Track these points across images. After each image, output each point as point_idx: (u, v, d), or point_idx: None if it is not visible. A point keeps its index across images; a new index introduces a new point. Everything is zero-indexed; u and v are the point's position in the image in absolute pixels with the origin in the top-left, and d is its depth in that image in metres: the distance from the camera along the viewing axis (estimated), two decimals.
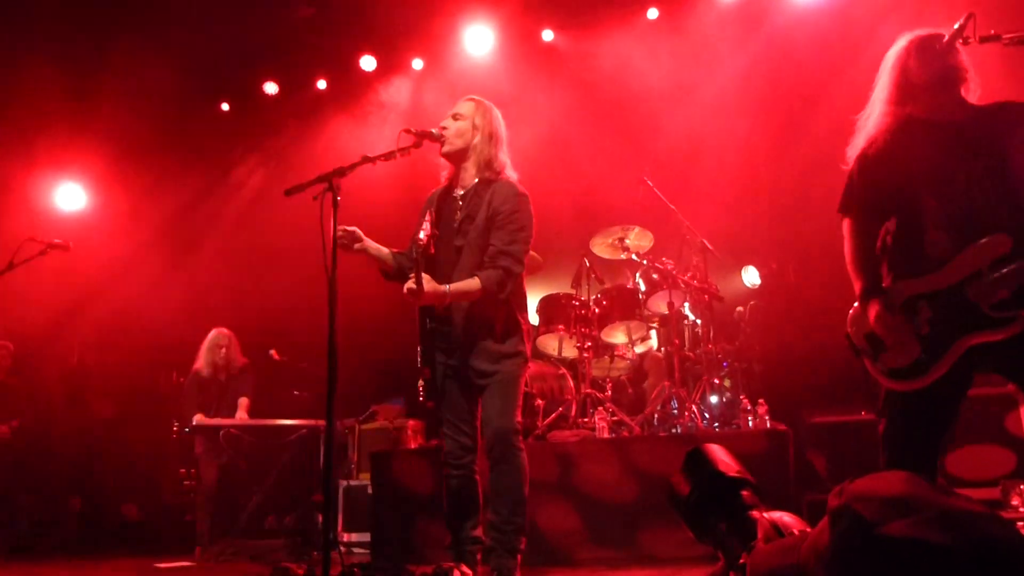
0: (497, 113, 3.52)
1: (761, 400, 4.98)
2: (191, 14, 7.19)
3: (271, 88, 8.20)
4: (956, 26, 2.62)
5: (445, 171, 3.57)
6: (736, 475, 2.43)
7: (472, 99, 3.54)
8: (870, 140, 2.81)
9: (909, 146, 2.71)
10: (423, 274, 3.11)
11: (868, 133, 2.83)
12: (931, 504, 1.67)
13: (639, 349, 6.07)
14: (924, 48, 2.74)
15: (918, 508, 1.66)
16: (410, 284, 3.10)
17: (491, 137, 3.44)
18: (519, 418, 3.33)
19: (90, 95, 7.36)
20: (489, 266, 3.28)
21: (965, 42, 2.63)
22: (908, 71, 2.77)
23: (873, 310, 2.66)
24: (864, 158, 2.82)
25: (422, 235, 3.34)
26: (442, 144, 3.43)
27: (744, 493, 2.38)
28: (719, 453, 2.52)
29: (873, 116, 2.83)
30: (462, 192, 3.46)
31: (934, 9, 5.95)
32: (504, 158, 3.47)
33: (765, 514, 2.26)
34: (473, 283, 3.23)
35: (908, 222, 2.71)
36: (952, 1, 5.96)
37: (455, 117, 3.47)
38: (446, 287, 3.18)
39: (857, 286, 2.76)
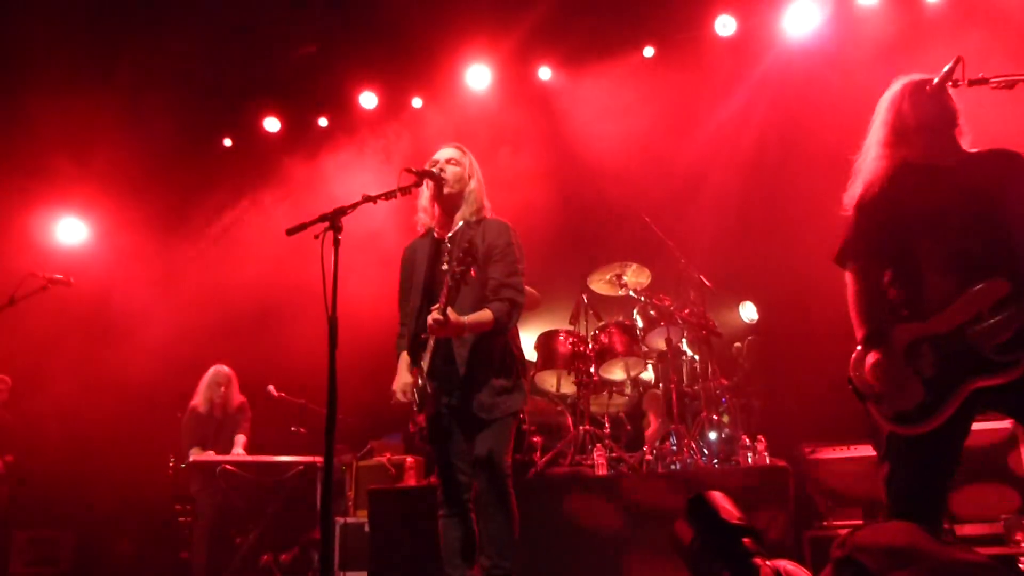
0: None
1: (760, 436, 4.97)
2: (193, 50, 7.28)
3: (272, 125, 8.29)
4: (945, 69, 2.69)
5: (425, 218, 3.63)
6: (738, 522, 2.44)
7: (459, 147, 3.66)
8: (867, 186, 2.86)
9: (904, 191, 2.76)
10: (448, 307, 3.12)
11: (864, 179, 2.88)
12: (932, 555, 1.68)
13: (645, 375, 6.09)
14: (916, 92, 2.82)
15: (919, 559, 1.67)
16: (435, 315, 3.11)
17: (480, 182, 3.59)
18: (510, 460, 3.34)
19: (92, 129, 7.42)
20: (494, 299, 3.33)
21: (955, 85, 2.70)
22: (901, 114, 2.84)
23: (871, 358, 2.67)
24: (862, 205, 2.87)
25: (444, 267, 3.41)
26: (442, 185, 3.48)
27: (746, 540, 2.38)
28: (721, 500, 2.53)
29: (868, 160, 2.89)
30: (450, 235, 3.53)
31: (927, 50, 6.08)
32: (487, 202, 3.60)
33: (768, 562, 2.27)
34: (486, 315, 3.28)
35: (907, 267, 2.74)
36: (946, 44, 6.12)
37: (449, 162, 3.55)
38: (464, 319, 3.21)
39: (859, 333, 2.77)
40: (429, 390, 3.31)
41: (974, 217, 2.64)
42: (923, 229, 2.70)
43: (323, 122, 8.28)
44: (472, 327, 3.25)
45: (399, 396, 3.47)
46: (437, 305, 3.13)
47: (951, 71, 2.68)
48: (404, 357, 3.55)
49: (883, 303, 2.79)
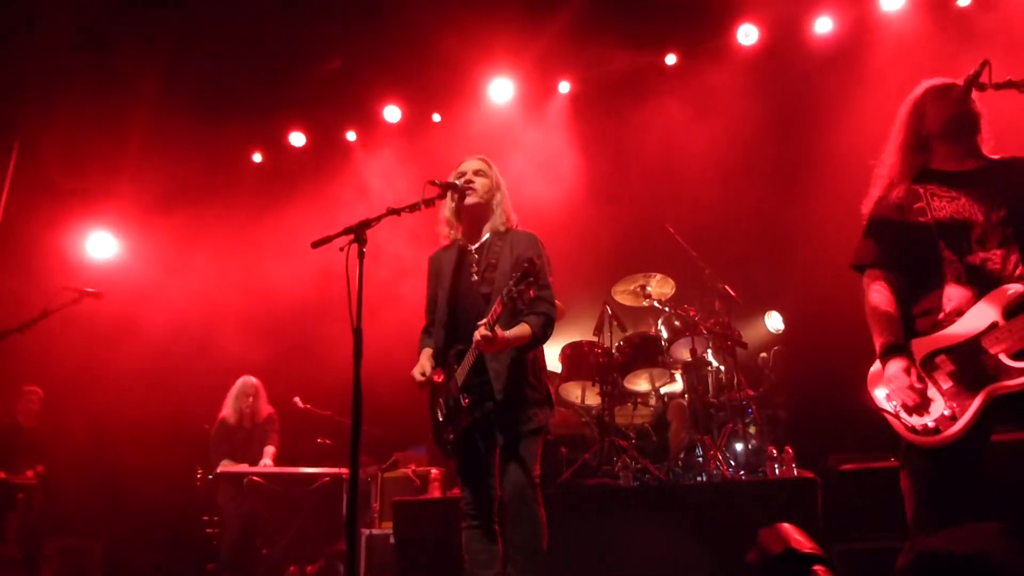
0: None
1: (787, 447, 4.92)
2: (220, 66, 7.40)
3: (298, 139, 8.40)
4: (972, 73, 2.65)
5: (448, 230, 3.64)
6: (809, 551, 2.44)
7: (484, 159, 3.67)
8: (884, 191, 2.83)
9: (924, 197, 2.72)
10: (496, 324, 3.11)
11: (883, 184, 2.85)
12: (1008, 565, 1.65)
13: (665, 389, 6.05)
14: (940, 96, 2.79)
15: (992, 566, 1.64)
16: (484, 332, 3.08)
17: (505, 194, 3.61)
18: (538, 472, 3.33)
19: (122, 145, 7.55)
20: (530, 312, 3.32)
21: (981, 89, 2.67)
22: (923, 119, 2.81)
23: (889, 370, 2.63)
24: (879, 211, 2.83)
25: (474, 278, 3.40)
26: (467, 197, 3.49)
27: (817, 569, 2.38)
28: (792, 531, 2.54)
29: (887, 165, 2.86)
30: (477, 245, 3.53)
31: (951, 57, 6.02)
32: (514, 214, 3.62)
33: None
34: (525, 329, 3.27)
35: (925, 276, 2.69)
36: (969, 51, 6.06)
37: (476, 173, 3.56)
38: (508, 334, 3.20)
39: (876, 344, 2.72)
40: (464, 402, 3.30)
41: (995, 223, 2.60)
42: (942, 237, 2.65)
43: (351, 136, 8.39)
44: (514, 342, 3.25)
45: (417, 377, 3.49)
46: (485, 321, 3.10)
47: (977, 74, 2.64)
48: (428, 351, 3.58)
49: (901, 312, 2.73)
